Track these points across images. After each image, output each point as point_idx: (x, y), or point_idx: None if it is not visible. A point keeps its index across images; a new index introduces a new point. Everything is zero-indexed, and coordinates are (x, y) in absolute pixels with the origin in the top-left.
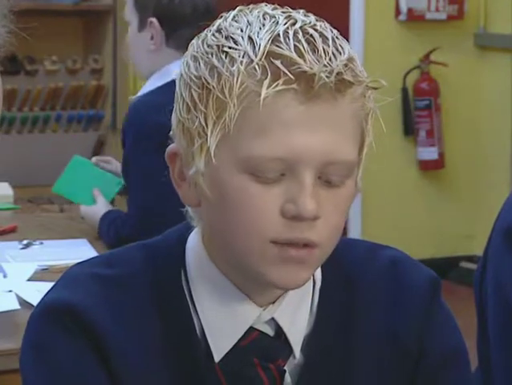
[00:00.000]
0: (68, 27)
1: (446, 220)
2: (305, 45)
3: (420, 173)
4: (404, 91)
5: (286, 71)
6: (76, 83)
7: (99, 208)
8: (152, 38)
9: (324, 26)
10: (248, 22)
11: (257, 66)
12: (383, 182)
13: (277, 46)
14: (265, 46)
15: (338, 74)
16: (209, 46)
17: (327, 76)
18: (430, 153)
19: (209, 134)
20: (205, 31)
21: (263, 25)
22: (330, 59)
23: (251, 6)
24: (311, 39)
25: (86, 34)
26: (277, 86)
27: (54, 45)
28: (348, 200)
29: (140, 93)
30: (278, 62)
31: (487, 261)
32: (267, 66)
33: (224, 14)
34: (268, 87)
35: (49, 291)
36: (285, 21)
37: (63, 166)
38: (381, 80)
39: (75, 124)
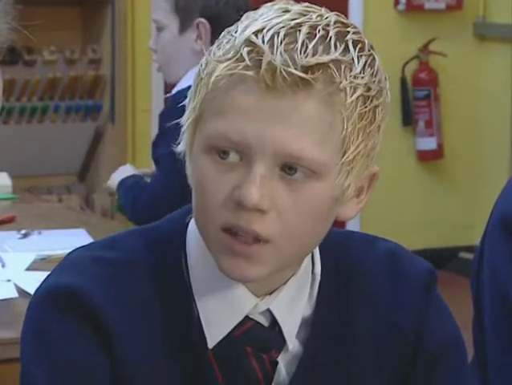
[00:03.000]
0: (67, 17)
1: (445, 210)
2: (282, 37)
3: (419, 163)
4: (403, 81)
5: (246, 57)
6: (74, 73)
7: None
8: (198, 38)
9: (334, 28)
10: (261, 13)
11: (232, 52)
12: (381, 172)
13: (256, 35)
14: (247, 35)
15: (303, 70)
16: (228, 31)
17: (287, 71)
18: (429, 143)
19: (187, 115)
20: None
21: (266, 18)
22: (304, 53)
23: (291, 2)
24: (295, 34)
25: (84, 24)
26: (232, 69)
27: (53, 35)
28: (313, 203)
29: (179, 85)
30: (246, 49)
31: (483, 251)
32: (238, 53)
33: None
34: (223, 68)
35: (49, 275)
36: (289, 16)
37: (61, 156)
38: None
39: (73, 114)
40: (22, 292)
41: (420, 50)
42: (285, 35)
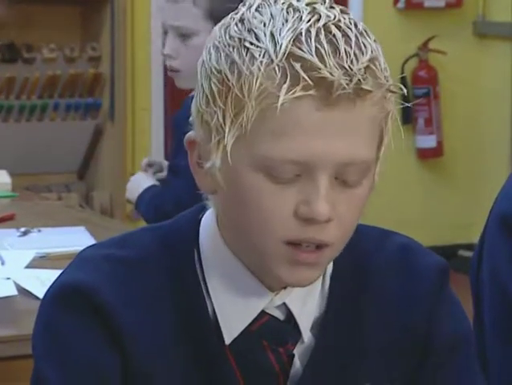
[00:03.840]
0: (66, 15)
1: (445, 208)
2: (326, 47)
3: (419, 161)
4: (403, 79)
5: (306, 77)
6: (74, 71)
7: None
8: None
9: (349, 22)
10: (271, 15)
11: (277, 68)
12: (381, 170)
13: (298, 47)
14: (286, 47)
15: (358, 81)
16: (231, 37)
17: (346, 84)
18: (429, 141)
19: (226, 131)
20: (229, 19)
21: (286, 20)
22: (351, 62)
23: None
24: (334, 40)
25: (84, 22)
26: (295, 92)
27: (52, 33)
28: (363, 199)
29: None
30: (297, 66)
31: (483, 249)
32: (287, 69)
33: (249, 1)
34: (287, 93)
35: (62, 273)
36: (309, 17)
37: (61, 154)
38: (401, 86)
39: (72, 112)
40: (21, 290)
41: (419, 49)
42: (327, 43)
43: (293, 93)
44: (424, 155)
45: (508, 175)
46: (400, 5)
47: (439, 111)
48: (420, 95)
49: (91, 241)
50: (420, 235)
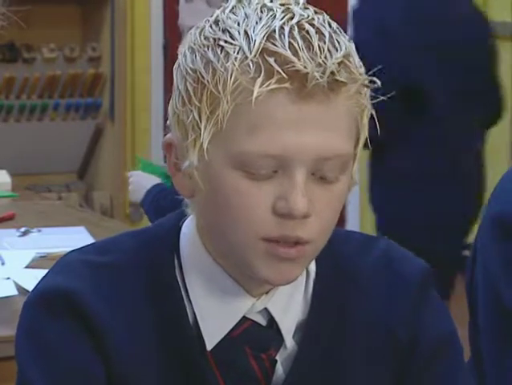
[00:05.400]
0: (66, 15)
1: None
2: (300, 42)
3: None
4: None
5: (280, 70)
6: (74, 71)
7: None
8: None
9: (322, 20)
10: (245, 15)
11: (251, 63)
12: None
13: (272, 43)
14: (260, 43)
15: (331, 73)
16: (205, 38)
17: (320, 76)
18: None
19: (202, 129)
20: (204, 21)
21: (260, 19)
22: (325, 57)
23: None
24: (307, 36)
25: (84, 22)
26: (269, 84)
27: (52, 33)
28: (342, 195)
29: None
30: (271, 60)
31: (476, 251)
32: (261, 64)
33: (223, 4)
34: (261, 86)
35: (42, 278)
36: (282, 15)
37: (61, 154)
38: (375, 79)
39: (72, 112)
40: (21, 290)
41: None
42: (300, 38)
43: (267, 86)
44: None
45: None
46: None
47: None
48: None
49: (91, 241)
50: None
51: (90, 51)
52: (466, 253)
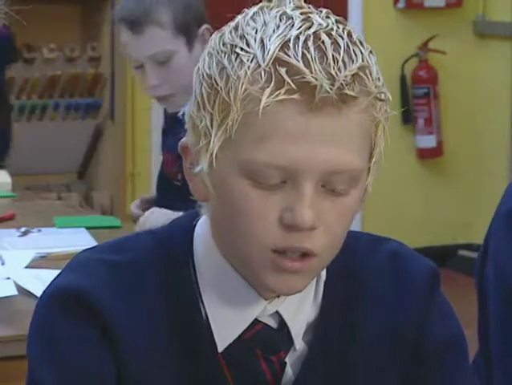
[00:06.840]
0: (66, 15)
1: (444, 208)
2: (313, 53)
3: (419, 161)
4: (403, 78)
5: (290, 81)
6: (74, 71)
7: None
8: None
9: (342, 30)
10: (264, 22)
11: (263, 73)
12: (381, 170)
13: (285, 52)
14: (273, 52)
15: (341, 86)
16: (224, 44)
17: (329, 88)
18: (428, 141)
19: (212, 136)
20: (225, 27)
21: (278, 27)
22: (338, 69)
23: (273, 3)
24: (322, 46)
25: (84, 22)
26: (278, 95)
27: (52, 33)
28: (352, 209)
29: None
30: (283, 71)
31: (488, 246)
32: (272, 74)
33: (246, 10)
34: (269, 96)
35: (57, 276)
36: (300, 24)
37: (61, 154)
38: (387, 93)
39: (73, 112)
40: (21, 290)
41: (419, 48)
42: (314, 49)
43: (276, 96)
44: (423, 155)
45: (507, 174)
46: (400, 5)
47: (439, 111)
48: (419, 95)
49: (91, 241)
50: (419, 235)
51: (90, 51)
52: (464, 253)
